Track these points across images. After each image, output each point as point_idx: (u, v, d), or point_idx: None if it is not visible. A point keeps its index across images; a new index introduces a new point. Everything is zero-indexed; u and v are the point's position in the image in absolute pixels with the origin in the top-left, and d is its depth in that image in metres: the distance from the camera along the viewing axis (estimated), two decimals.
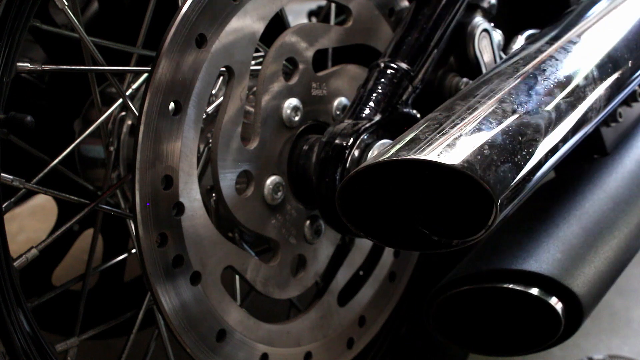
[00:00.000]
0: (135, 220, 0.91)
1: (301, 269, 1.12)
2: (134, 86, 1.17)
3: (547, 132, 0.90)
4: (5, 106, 0.89)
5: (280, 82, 1.04)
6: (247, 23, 0.98)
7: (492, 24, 1.20)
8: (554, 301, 1.06)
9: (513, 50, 1.17)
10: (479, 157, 0.83)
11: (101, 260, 1.35)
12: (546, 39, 1.01)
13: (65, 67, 1.22)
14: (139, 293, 1.09)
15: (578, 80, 0.92)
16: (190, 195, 0.96)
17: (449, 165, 0.81)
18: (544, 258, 1.06)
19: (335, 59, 1.17)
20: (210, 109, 1.04)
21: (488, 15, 1.19)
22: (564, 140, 0.93)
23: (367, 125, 1.01)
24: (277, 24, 1.06)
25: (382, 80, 1.04)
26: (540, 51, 0.99)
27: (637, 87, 1.28)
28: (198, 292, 0.98)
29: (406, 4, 1.18)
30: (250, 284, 1.05)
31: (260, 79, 1.02)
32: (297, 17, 1.64)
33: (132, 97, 1.17)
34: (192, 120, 0.95)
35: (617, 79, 0.97)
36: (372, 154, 1.00)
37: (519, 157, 0.86)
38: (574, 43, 0.96)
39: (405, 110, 1.05)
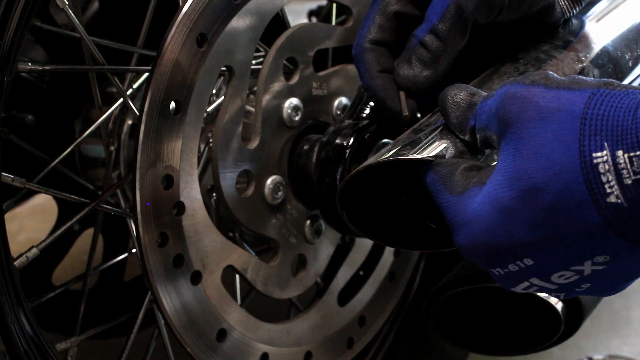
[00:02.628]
0: (135, 220, 0.91)
1: (301, 268, 1.12)
2: (135, 86, 1.17)
3: None
4: (6, 106, 0.89)
5: (281, 82, 1.04)
6: (247, 23, 0.99)
7: None
8: (554, 301, 1.06)
9: None
10: None
11: (101, 260, 1.35)
12: (546, 38, 1.01)
13: (65, 66, 1.23)
14: (139, 293, 1.09)
15: None
16: (191, 194, 0.96)
17: None
18: None
19: (335, 59, 1.17)
20: (210, 109, 1.04)
21: None
22: None
23: (368, 125, 1.01)
24: (277, 24, 1.06)
25: None
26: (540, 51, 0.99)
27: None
28: (198, 292, 0.98)
29: None
30: (250, 284, 1.05)
31: (261, 78, 1.02)
32: (297, 17, 1.64)
33: (132, 96, 1.17)
34: (192, 120, 0.95)
35: (618, 78, 0.97)
36: (373, 153, 1.00)
37: None
38: (574, 43, 0.96)
39: None
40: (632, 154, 0.65)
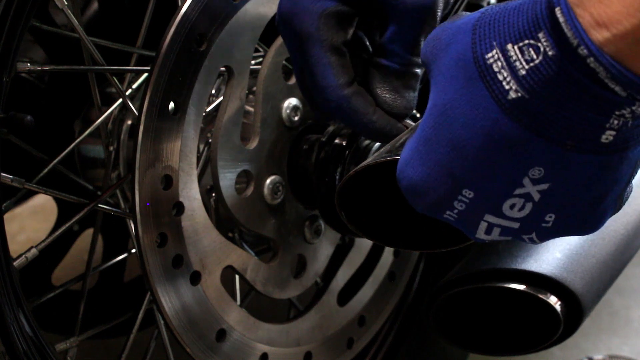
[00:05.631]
0: (135, 220, 0.91)
1: (301, 269, 1.12)
2: (134, 86, 1.17)
3: None
4: (5, 106, 0.89)
5: (280, 82, 1.04)
6: (246, 23, 0.98)
7: None
8: (553, 301, 1.06)
9: None
10: None
11: (101, 260, 1.35)
12: None
13: (65, 67, 1.23)
14: (139, 293, 1.09)
15: None
16: (190, 195, 0.96)
17: None
18: (544, 257, 1.06)
19: None
20: (209, 109, 1.04)
21: None
22: None
23: None
24: None
25: None
26: None
27: None
28: (198, 292, 0.98)
29: None
30: (250, 284, 1.05)
31: (260, 78, 1.02)
32: None
33: (132, 97, 1.17)
34: (191, 120, 0.95)
35: None
36: (372, 153, 1.00)
37: None
38: None
39: None
40: (521, 44, 0.64)
